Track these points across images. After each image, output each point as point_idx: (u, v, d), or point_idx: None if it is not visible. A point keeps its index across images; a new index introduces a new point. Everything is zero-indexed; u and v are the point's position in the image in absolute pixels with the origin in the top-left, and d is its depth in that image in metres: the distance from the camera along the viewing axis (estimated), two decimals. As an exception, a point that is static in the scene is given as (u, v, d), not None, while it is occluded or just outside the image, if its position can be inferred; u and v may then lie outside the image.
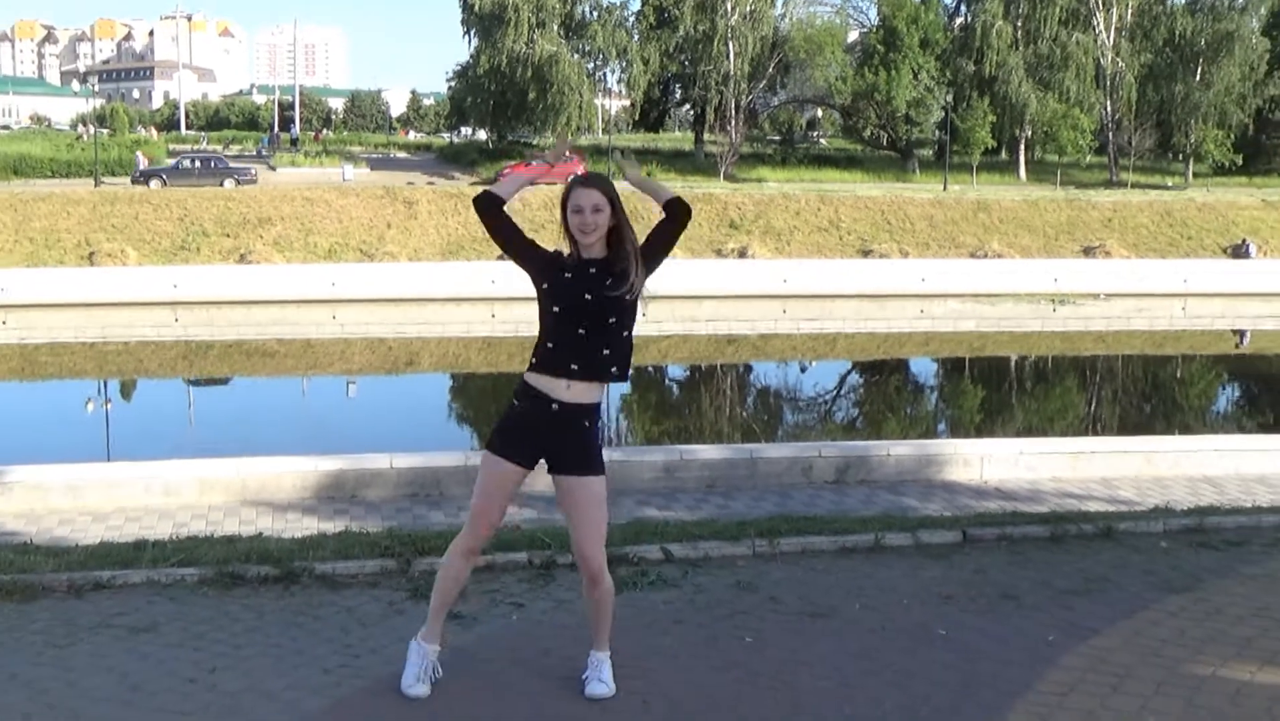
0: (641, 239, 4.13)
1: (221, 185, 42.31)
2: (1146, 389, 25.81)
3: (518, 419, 4.14)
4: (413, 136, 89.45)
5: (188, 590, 5.47)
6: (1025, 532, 6.64)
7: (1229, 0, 56.26)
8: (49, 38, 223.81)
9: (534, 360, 4.10)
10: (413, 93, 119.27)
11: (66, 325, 32.65)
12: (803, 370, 28.39)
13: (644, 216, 4.18)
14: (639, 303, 4.10)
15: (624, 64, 56.59)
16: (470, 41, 55.24)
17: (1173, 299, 37.95)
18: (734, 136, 55.68)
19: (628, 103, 70.30)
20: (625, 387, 20.89)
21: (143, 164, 47.47)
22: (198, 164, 45.64)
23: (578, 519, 4.16)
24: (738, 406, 23.39)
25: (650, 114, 67.58)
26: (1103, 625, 5.13)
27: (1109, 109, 56.91)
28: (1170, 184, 55.36)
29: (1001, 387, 25.79)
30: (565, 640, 4.77)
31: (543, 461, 4.18)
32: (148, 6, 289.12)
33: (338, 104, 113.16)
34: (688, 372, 28.62)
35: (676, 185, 46.06)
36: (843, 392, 25.54)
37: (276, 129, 77.59)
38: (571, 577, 5.29)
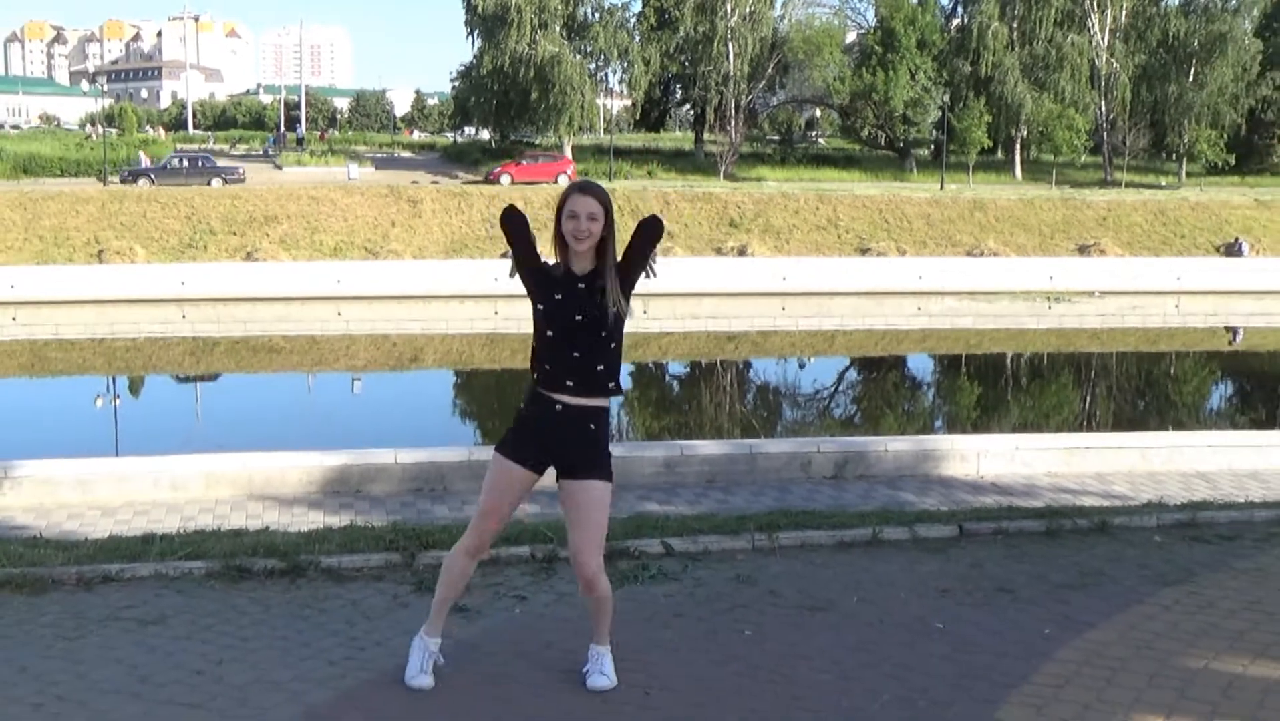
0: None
1: (209, 184, 42.32)
2: (1140, 385, 25.84)
3: (526, 421, 4.22)
4: (417, 136, 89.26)
5: (195, 583, 5.52)
6: (1021, 527, 6.69)
7: (1222, 2, 56.18)
8: (58, 38, 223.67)
9: (534, 378, 4.19)
10: (417, 92, 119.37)
11: (76, 322, 32.72)
12: (801, 367, 28.44)
13: (638, 219, 4.27)
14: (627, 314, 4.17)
15: (625, 64, 56.53)
16: (473, 42, 55.18)
17: (1166, 297, 37.99)
18: (734, 136, 55.70)
19: (629, 103, 70.36)
20: (627, 385, 20.92)
21: (145, 163, 47.59)
22: (185, 163, 45.77)
23: (576, 521, 4.19)
24: (737, 402, 23.43)
25: (651, 114, 67.57)
26: (1097, 618, 5.18)
27: (1103, 109, 56.89)
28: (1164, 183, 55.41)
29: (997, 384, 25.83)
30: (567, 633, 4.81)
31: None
32: (156, 7, 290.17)
33: (343, 104, 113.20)
34: (688, 369, 28.68)
35: (677, 184, 46.21)
36: (841, 389, 25.56)
37: (283, 128, 77.50)
38: (573, 572, 5.34)
